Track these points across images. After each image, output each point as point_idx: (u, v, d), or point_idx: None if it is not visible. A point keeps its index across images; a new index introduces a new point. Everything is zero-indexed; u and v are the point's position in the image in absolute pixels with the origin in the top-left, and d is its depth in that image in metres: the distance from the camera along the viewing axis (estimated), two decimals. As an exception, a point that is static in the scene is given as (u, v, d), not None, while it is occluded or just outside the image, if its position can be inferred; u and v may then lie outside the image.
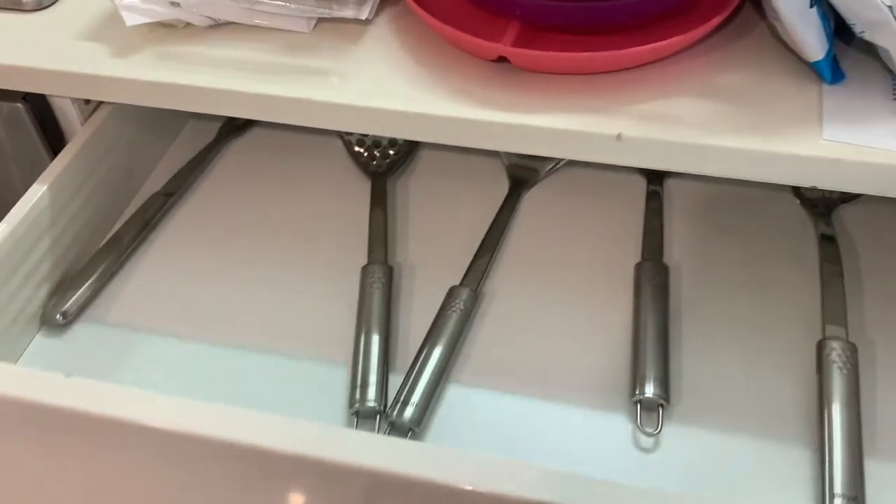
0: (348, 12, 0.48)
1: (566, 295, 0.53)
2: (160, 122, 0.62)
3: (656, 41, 0.43)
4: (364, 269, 0.53)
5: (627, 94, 0.44)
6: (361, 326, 0.49)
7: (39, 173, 0.55)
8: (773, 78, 0.45)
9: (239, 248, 0.56)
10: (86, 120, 0.54)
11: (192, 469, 0.39)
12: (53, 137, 0.54)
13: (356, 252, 0.55)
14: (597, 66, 0.44)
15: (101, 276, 0.53)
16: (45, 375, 0.39)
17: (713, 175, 0.43)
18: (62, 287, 0.52)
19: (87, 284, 0.52)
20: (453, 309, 0.50)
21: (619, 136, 0.41)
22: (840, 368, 0.45)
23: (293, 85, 0.46)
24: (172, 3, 0.48)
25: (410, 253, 0.56)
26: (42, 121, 0.53)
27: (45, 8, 0.52)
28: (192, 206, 0.59)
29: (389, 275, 0.52)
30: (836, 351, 0.45)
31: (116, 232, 0.56)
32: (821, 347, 0.46)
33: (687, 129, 0.41)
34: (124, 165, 0.58)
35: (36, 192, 0.50)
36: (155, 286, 0.54)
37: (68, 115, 0.53)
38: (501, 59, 0.45)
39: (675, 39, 0.43)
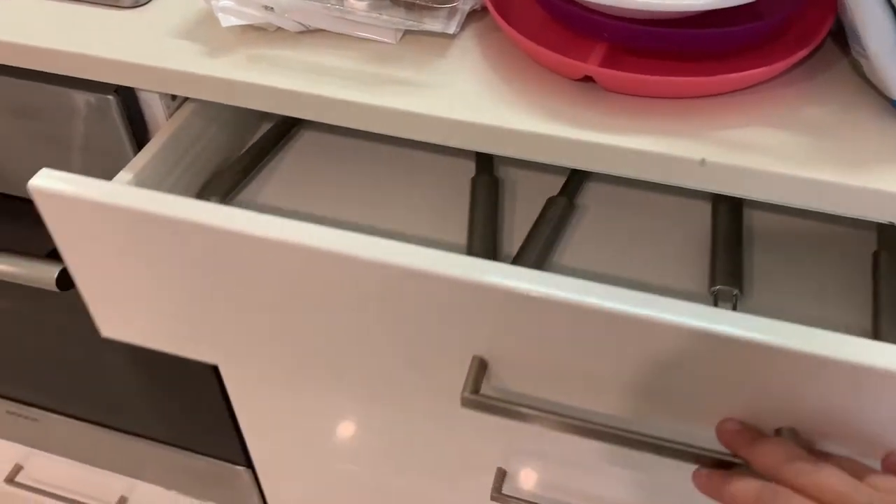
0: (436, 26, 0.49)
1: (650, 207, 0.58)
2: (239, 120, 0.63)
3: (743, 70, 0.43)
4: (473, 180, 0.59)
5: (711, 120, 0.44)
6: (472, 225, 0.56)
7: (122, 166, 0.57)
8: (857, 113, 0.45)
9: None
10: (170, 115, 0.55)
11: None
12: (139, 131, 0.55)
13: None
14: (683, 91, 0.45)
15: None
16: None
17: (794, 206, 0.43)
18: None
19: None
20: (550, 216, 0.55)
21: (702, 162, 0.42)
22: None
23: (379, 94, 0.47)
24: (266, 8, 0.49)
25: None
26: (129, 114, 0.54)
27: (141, 5, 0.54)
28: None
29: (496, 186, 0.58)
30: None
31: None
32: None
33: (770, 159, 0.42)
34: (203, 160, 0.59)
35: (121, 181, 0.52)
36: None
37: (154, 110, 0.55)
38: (586, 79, 0.46)
39: (762, 69, 0.43)
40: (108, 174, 0.58)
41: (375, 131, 0.48)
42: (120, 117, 0.54)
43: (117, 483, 1.07)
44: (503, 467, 0.60)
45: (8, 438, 1.06)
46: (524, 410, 0.44)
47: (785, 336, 0.38)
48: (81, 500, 1.16)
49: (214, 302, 0.50)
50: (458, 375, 0.45)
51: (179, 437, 0.89)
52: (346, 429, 0.74)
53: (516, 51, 0.49)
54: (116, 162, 0.57)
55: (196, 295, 0.50)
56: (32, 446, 1.06)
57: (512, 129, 0.44)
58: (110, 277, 0.52)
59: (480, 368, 0.45)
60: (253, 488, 0.93)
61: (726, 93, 0.46)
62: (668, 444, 0.42)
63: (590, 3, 0.44)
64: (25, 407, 0.96)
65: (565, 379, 0.45)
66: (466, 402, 0.44)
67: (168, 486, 1.01)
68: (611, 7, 0.43)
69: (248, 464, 0.89)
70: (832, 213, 0.42)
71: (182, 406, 0.83)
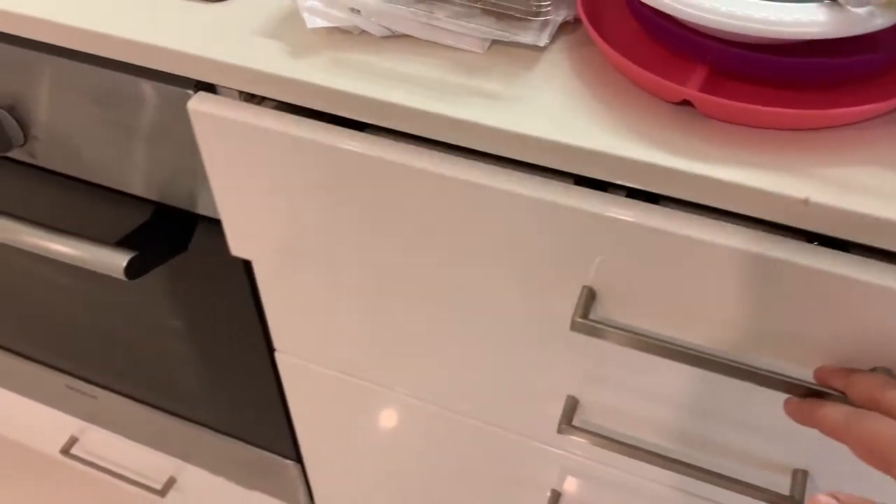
0: (527, 37, 0.47)
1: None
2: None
3: (856, 104, 0.40)
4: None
5: (815, 155, 0.41)
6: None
7: (195, 157, 0.56)
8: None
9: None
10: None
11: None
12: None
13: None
14: (791, 123, 0.42)
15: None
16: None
17: (902, 253, 0.40)
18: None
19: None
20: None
21: (806, 201, 0.39)
22: None
23: (463, 106, 0.45)
24: (352, 10, 0.48)
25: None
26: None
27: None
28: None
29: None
30: None
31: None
32: None
33: (880, 202, 0.39)
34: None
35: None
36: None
37: (232, 106, 0.54)
38: (684, 102, 0.43)
39: (877, 105, 0.40)
40: (180, 167, 0.58)
41: (457, 144, 0.46)
42: (196, 111, 0.54)
43: (167, 464, 1.09)
44: (576, 396, 0.59)
45: (66, 412, 1.08)
46: (630, 335, 0.46)
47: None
48: (131, 476, 1.17)
49: (344, 224, 0.55)
50: (565, 304, 0.50)
51: (232, 425, 0.90)
52: (397, 420, 0.74)
53: (609, 67, 0.47)
54: (188, 154, 0.56)
55: (325, 217, 0.55)
56: (88, 421, 1.08)
57: (601, 151, 0.42)
58: (249, 197, 0.56)
59: (590, 297, 0.48)
60: (300, 483, 0.93)
61: (835, 127, 0.43)
62: (765, 372, 0.44)
63: (693, 23, 0.42)
64: (85, 383, 0.98)
65: (669, 312, 0.48)
66: (576, 326, 0.47)
67: (216, 472, 1.02)
68: (716, 29, 0.41)
69: (298, 458, 0.89)
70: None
71: (237, 396, 0.83)
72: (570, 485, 0.68)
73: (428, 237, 0.52)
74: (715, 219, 0.43)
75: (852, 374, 0.41)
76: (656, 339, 0.46)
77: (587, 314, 0.48)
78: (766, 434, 0.52)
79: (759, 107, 0.40)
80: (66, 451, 1.15)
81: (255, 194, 0.56)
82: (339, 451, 0.82)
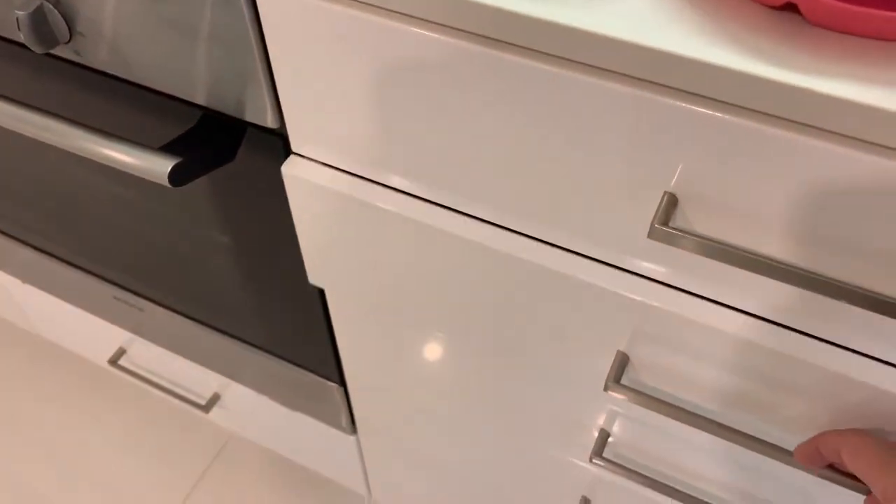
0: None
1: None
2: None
3: None
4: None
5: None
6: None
7: (248, 59, 0.53)
8: None
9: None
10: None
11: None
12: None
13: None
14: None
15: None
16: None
17: None
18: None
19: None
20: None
21: (924, 122, 0.34)
22: None
23: (539, 3, 0.40)
24: None
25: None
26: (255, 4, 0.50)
27: None
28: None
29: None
30: None
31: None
32: None
33: None
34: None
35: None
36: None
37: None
38: (788, 7, 0.38)
39: None
40: (232, 69, 0.55)
41: (531, 47, 0.42)
42: (247, 6, 0.50)
43: (213, 380, 1.09)
44: (625, 351, 0.56)
45: (113, 322, 1.09)
46: (711, 245, 0.42)
47: None
48: (176, 390, 1.19)
49: (403, 123, 0.51)
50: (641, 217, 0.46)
51: (277, 346, 0.88)
52: (440, 352, 0.71)
53: (702, -33, 0.42)
54: (241, 56, 0.53)
55: (386, 118, 0.51)
56: (135, 333, 1.08)
57: (693, 58, 0.37)
58: (316, 89, 0.53)
59: (670, 204, 0.44)
60: (343, 406, 0.92)
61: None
62: (844, 285, 0.40)
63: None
64: (132, 295, 0.98)
65: (750, 224, 0.43)
66: (655, 234, 0.43)
67: (260, 391, 1.02)
68: (835, -80, 0.35)
69: (342, 382, 0.88)
70: None
71: (282, 317, 0.81)
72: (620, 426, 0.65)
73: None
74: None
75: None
76: (737, 249, 0.42)
77: (667, 221, 0.43)
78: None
79: (874, 10, 0.35)
80: (113, 361, 1.16)
81: (318, 87, 0.52)
82: (381, 378, 0.80)
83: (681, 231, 0.42)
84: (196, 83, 0.58)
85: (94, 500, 1.29)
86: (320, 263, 0.67)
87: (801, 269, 0.40)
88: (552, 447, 0.73)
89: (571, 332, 0.57)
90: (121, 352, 1.17)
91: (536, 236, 0.53)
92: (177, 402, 1.38)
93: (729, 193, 0.42)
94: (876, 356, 0.46)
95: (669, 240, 0.43)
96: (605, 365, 0.58)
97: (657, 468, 0.67)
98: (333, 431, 1.01)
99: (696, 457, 0.62)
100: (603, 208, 0.47)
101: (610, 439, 0.67)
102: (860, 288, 0.40)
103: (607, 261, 0.51)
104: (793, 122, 0.38)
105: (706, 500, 0.63)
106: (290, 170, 0.59)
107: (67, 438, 1.37)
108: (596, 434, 0.67)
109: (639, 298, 0.51)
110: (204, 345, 0.98)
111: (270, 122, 0.57)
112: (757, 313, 0.48)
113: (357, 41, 0.47)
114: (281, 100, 0.55)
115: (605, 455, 0.67)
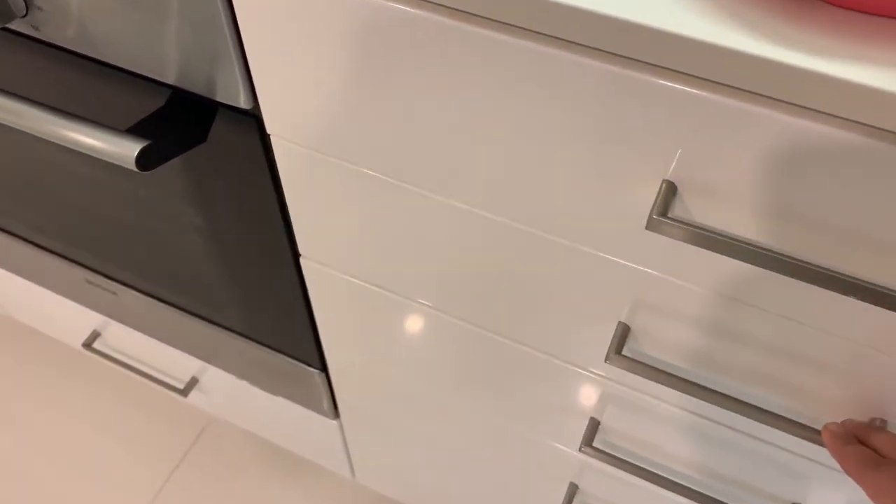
0: None
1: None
2: None
3: None
4: None
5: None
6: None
7: (219, 35, 0.49)
8: None
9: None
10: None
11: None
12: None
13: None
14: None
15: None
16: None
17: None
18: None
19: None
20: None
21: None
22: None
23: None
24: None
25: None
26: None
27: None
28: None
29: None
30: None
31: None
32: None
33: None
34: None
35: None
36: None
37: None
38: (802, -16, 0.36)
39: None
40: (202, 46, 0.51)
41: (520, 25, 0.39)
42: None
43: (191, 364, 1.06)
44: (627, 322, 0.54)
45: (86, 306, 1.05)
46: (711, 235, 0.39)
47: None
48: (153, 373, 1.16)
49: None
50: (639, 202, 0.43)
51: (257, 331, 0.86)
52: (424, 333, 0.69)
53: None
54: (211, 31, 0.50)
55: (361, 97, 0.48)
56: (110, 317, 1.05)
57: (700, 41, 0.35)
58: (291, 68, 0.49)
59: (669, 192, 0.41)
60: (325, 391, 0.90)
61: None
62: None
63: None
64: (105, 279, 0.94)
65: (751, 212, 0.41)
66: (653, 225, 0.40)
67: (240, 376, 0.99)
68: None
69: (323, 367, 0.85)
70: None
71: (262, 301, 0.79)
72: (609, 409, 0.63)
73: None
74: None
75: (873, 430, 0.46)
76: (739, 241, 0.39)
77: (665, 212, 0.41)
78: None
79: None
80: (88, 344, 1.13)
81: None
82: (363, 362, 0.78)
83: (679, 222, 0.40)
84: (165, 61, 0.54)
85: (70, 485, 1.27)
86: (311, 235, 0.64)
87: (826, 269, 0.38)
88: (541, 432, 0.71)
89: (569, 302, 0.54)
90: (95, 335, 1.14)
91: (538, 232, 0.50)
92: (155, 385, 1.35)
93: (736, 182, 0.39)
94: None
95: (668, 231, 0.40)
96: (605, 337, 0.55)
97: (644, 454, 0.65)
98: (316, 415, 0.99)
99: (683, 440, 0.61)
100: (603, 194, 0.45)
101: (600, 427, 0.65)
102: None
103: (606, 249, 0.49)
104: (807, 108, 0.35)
105: (695, 487, 0.62)
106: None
107: (42, 424, 1.34)
108: (587, 421, 0.66)
109: (640, 267, 0.48)
110: (180, 329, 0.95)
111: (243, 102, 0.54)
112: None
113: (331, 18, 0.44)
114: (254, 79, 0.52)
115: (594, 444, 0.65)
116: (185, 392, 1.09)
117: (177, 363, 1.09)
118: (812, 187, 0.37)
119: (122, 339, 1.12)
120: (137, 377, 1.27)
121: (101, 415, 1.35)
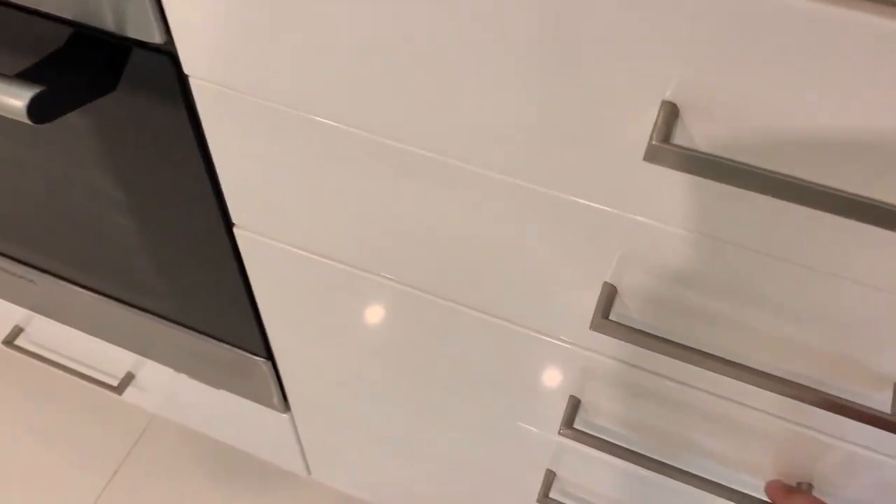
0: None
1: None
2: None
3: None
4: None
5: None
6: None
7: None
8: None
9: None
10: None
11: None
12: None
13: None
14: None
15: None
16: None
17: None
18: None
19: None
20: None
21: None
22: None
23: None
24: None
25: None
26: None
27: None
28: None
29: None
30: None
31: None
32: None
33: None
34: None
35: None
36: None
37: None
38: None
39: None
40: None
41: None
42: None
43: (126, 358, 0.97)
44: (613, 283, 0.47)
45: (3, 298, 0.95)
46: (723, 161, 0.32)
47: None
48: (83, 370, 1.06)
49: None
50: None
51: (193, 318, 0.77)
52: (378, 309, 0.61)
53: None
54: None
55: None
56: (31, 309, 0.95)
57: None
58: None
59: (671, 115, 0.34)
60: (272, 382, 0.82)
61: None
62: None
63: None
64: (20, 265, 0.84)
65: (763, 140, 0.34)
66: (652, 153, 0.33)
67: (178, 369, 0.90)
68: None
69: (269, 356, 0.77)
70: None
71: (196, 284, 0.70)
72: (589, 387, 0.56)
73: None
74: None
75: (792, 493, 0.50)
76: (750, 167, 0.32)
77: (668, 137, 0.34)
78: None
79: None
80: (9, 342, 1.03)
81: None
82: (313, 346, 0.70)
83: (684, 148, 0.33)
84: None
85: (6, 494, 1.16)
86: (243, 200, 0.55)
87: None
88: (515, 415, 0.64)
89: (548, 259, 0.47)
90: (17, 331, 1.04)
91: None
92: (87, 384, 1.25)
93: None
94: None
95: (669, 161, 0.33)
96: (590, 300, 0.48)
97: (627, 434, 0.59)
98: (264, 409, 0.90)
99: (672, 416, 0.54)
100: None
101: (581, 406, 0.58)
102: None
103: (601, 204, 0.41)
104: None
105: (680, 466, 0.55)
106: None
107: (-33, 429, 1.22)
108: (566, 400, 0.59)
109: (630, 215, 0.41)
110: (109, 319, 0.86)
111: (157, 36, 0.45)
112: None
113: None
114: (166, 9, 0.43)
115: (575, 426, 0.58)
116: (119, 390, 1.00)
117: (110, 358, 1.00)
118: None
119: (50, 334, 1.02)
120: (69, 376, 1.17)
121: (33, 418, 1.24)
